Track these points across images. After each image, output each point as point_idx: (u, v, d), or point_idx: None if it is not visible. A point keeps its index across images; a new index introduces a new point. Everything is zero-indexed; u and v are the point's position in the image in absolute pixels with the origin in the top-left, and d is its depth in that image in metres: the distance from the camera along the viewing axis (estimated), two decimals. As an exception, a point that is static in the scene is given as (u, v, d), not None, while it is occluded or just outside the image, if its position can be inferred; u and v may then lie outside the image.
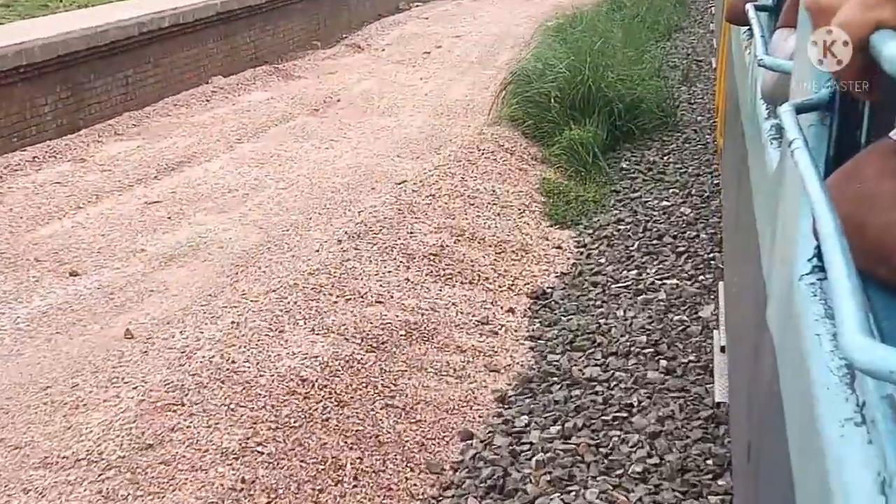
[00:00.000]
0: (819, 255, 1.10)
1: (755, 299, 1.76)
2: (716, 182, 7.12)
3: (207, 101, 10.19)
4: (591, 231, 6.85)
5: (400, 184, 7.23)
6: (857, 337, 0.66)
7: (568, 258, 6.40)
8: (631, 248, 6.43)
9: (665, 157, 8.40)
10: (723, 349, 3.86)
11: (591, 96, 8.66)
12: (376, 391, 4.42)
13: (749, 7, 2.59)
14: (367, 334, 4.86)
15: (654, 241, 6.51)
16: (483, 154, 7.90)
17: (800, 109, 1.21)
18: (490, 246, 6.29)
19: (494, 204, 6.96)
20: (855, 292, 0.71)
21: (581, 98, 8.67)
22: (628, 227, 6.80)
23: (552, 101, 8.81)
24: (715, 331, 4.56)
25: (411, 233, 6.18)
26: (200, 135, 8.85)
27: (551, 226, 6.99)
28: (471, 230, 6.41)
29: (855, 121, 1.25)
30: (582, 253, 6.50)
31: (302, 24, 14.64)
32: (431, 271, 5.80)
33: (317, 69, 12.42)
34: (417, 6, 18.61)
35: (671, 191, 7.51)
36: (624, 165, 8.27)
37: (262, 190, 7.30)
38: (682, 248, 6.36)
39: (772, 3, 2.79)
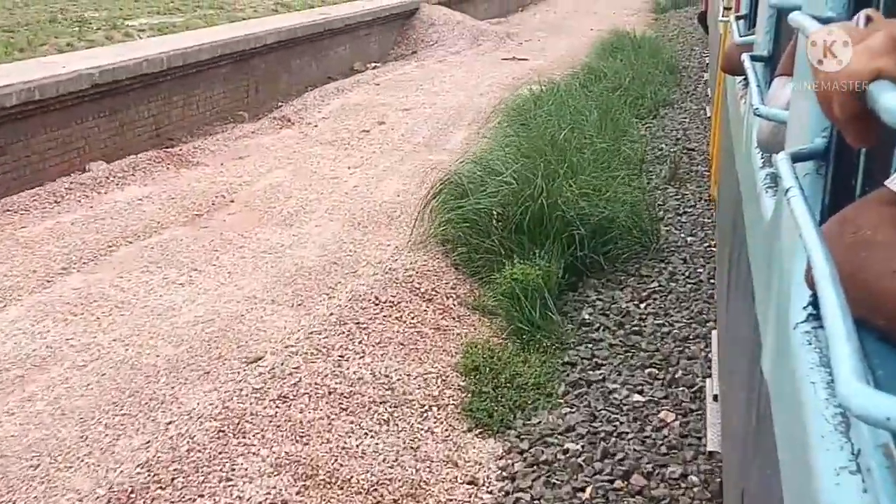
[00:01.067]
0: (814, 303, 1.10)
1: (749, 347, 1.81)
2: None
3: (56, 202, 7.88)
4: (526, 445, 4.53)
5: (252, 363, 4.94)
6: (853, 384, 0.66)
7: (484, 506, 4.09)
8: (580, 494, 4.12)
9: (643, 304, 6.12)
10: (715, 398, 3.83)
11: (545, 216, 6.41)
12: None
13: (745, 57, 2.53)
14: None
15: (619, 478, 4.20)
16: (388, 305, 5.62)
17: (796, 158, 1.23)
18: (357, 494, 3.96)
19: (384, 402, 4.65)
20: (851, 339, 0.72)
21: (532, 218, 6.42)
22: (581, 445, 4.48)
23: (494, 220, 6.56)
24: (707, 379, 4.60)
25: (228, 478, 3.86)
26: (15, 260, 6.54)
27: (469, 431, 4.67)
28: (330, 465, 4.08)
29: (850, 170, 1.25)
30: (508, 494, 4.18)
31: (226, 93, 12.43)
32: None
33: (224, 152, 10.16)
34: (375, 68, 16.48)
35: (648, 370, 5.22)
36: (586, 316, 5.98)
37: (49, 368, 4.97)
38: (660, 495, 4.06)
39: (767, 53, 2.74)
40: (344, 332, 5.15)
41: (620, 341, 5.58)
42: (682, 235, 7.36)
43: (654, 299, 6.16)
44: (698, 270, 6.58)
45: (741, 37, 3.25)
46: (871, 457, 0.77)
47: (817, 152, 1.27)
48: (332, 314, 5.41)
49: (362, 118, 11.93)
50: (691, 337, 5.56)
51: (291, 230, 7.54)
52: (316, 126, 11.65)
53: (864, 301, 0.87)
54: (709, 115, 10.13)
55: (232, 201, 8.31)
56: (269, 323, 5.52)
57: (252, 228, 7.55)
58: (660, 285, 6.37)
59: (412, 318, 5.49)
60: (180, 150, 10.02)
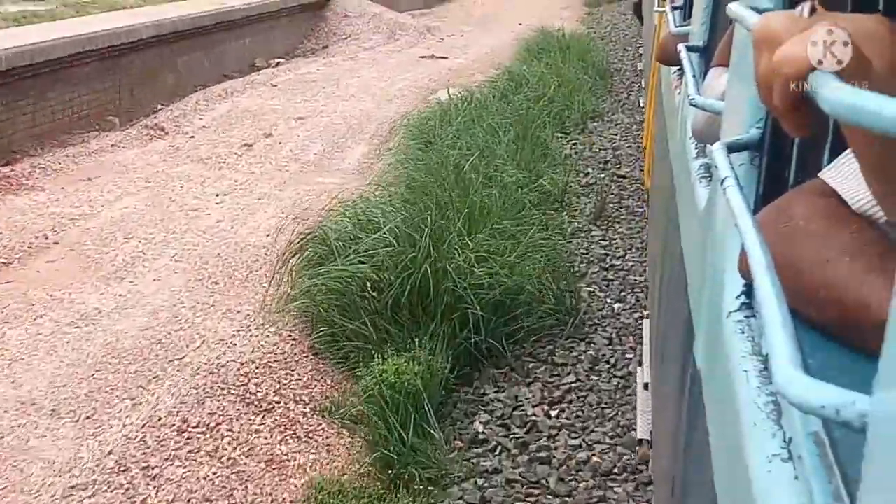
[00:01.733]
0: (747, 292, 1.11)
1: (682, 336, 1.82)
2: None
3: None
4: None
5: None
6: (790, 372, 0.66)
7: None
8: None
9: (554, 411, 4.69)
10: (646, 386, 3.78)
11: (432, 288, 4.94)
12: None
13: (680, 47, 2.46)
14: None
15: None
16: (199, 431, 4.08)
17: (731, 148, 1.23)
18: None
19: None
20: (787, 327, 0.72)
21: (415, 291, 4.94)
22: None
23: (366, 291, 5.06)
24: (638, 368, 4.53)
25: None
26: None
27: None
28: None
29: (784, 161, 1.27)
30: None
31: (92, 95, 10.67)
32: None
33: (70, 171, 8.48)
34: (278, 65, 14.82)
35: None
36: (479, 428, 4.53)
37: None
38: None
39: (703, 43, 2.68)
40: (121, 487, 3.59)
41: (521, 475, 4.13)
42: (609, 301, 5.95)
43: (570, 402, 4.73)
44: (627, 356, 5.17)
45: (677, 27, 3.19)
46: (803, 444, 0.79)
47: (752, 143, 1.28)
48: (111, 452, 3.83)
49: (248, 128, 10.31)
50: (617, 470, 4.13)
51: (120, 287, 5.94)
52: (192, 137, 9.99)
53: (796, 291, 0.87)
54: (642, 105, 9.75)
55: (56, 243, 6.66)
56: (34, 454, 3.94)
57: (70, 284, 5.93)
58: (578, 380, 4.94)
59: (234, 450, 3.97)
60: (13, 169, 8.30)
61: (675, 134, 2.95)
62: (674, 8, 3.87)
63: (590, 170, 8.99)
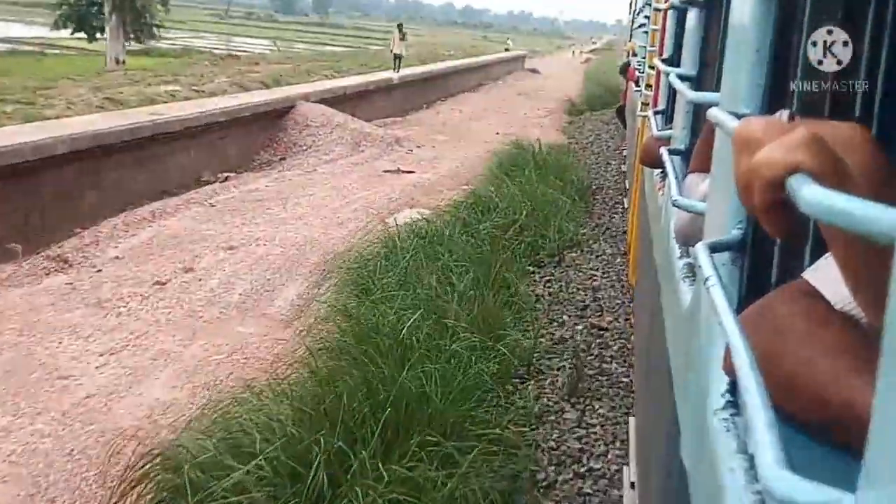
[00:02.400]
0: (731, 390, 1.12)
1: (667, 434, 1.80)
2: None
3: None
4: None
5: None
6: (776, 470, 0.67)
7: None
8: None
9: None
10: (633, 485, 3.78)
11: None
12: None
13: (663, 150, 2.61)
14: None
15: None
16: None
17: (713, 248, 1.25)
18: None
19: None
20: (771, 425, 0.73)
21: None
22: None
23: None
24: (625, 466, 4.51)
25: None
26: None
27: None
28: None
29: (766, 261, 1.31)
30: None
31: (-8, 217, 9.19)
32: None
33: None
34: (227, 178, 13.45)
35: None
36: None
37: None
38: None
39: (684, 147, 2.78)
40: None
41: None
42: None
43: None
44: None
45: (659, 131, 3.28)
46: None
47: (734, 243, 1.31)
48: None
49: (167, 260, 8.80)
50: None
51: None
52: (98, 272, 8.48)
53: (781, 388, 0.88)
54: (626, 206, 9.96)
55: None
56: None
57: None
58: None
59: None
60: None
61: (658, 234, 3.01)
62: (656, 112, 3.97)
63: (565, 317, 7.47)
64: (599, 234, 10.40)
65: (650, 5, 6.81)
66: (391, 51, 25.79)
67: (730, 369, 1.06)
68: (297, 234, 9.99)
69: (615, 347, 6.77)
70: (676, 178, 2.21)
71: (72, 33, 36.09)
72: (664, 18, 4.68)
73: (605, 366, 6.41)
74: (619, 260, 9.16)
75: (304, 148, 15.86)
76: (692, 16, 2.91)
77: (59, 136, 10.05)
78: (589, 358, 6.50)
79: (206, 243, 9.43)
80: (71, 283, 8.07)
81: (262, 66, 23.18)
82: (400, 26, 26.07)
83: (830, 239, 0.87)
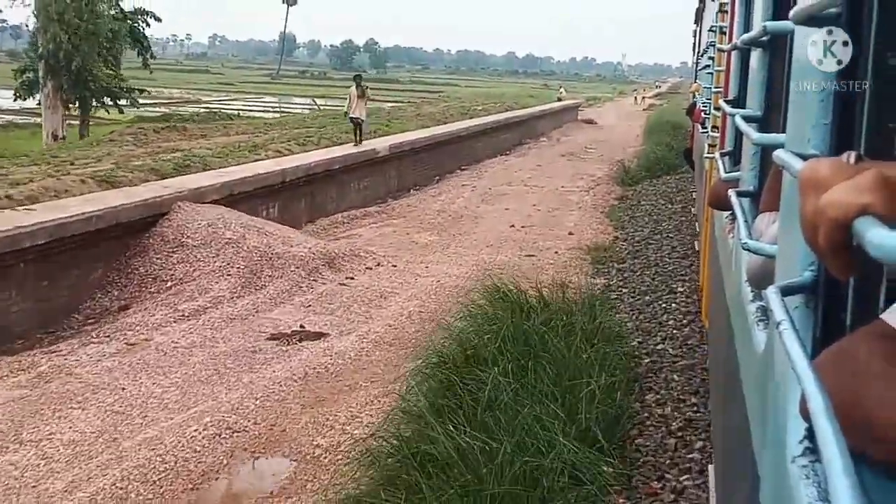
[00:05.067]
0: (810, 436, 1.11)
1: (748, 482, 1.78)
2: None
3: None
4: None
5: None
6: None
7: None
8: None
9: None
10: None
11: None
12: None
13: (731, 193, 2.57)
14: None
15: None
16: None
17: (785, 292, 1.24)
18: None
19: None
20: (849, 474, 0.72)
21: None
22: None
23: None
24: None
25: None
26: None
27: None
28: None
29: (840, 304, 1.26)
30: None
31: None
32: None
33: None
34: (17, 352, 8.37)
35: None
36: None
37: None
38: None
39: (753, 189, 2.76)
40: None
41: None
42: None
43: None
44: None
45: (727, 173, 3.27)
46: None
47: (806, 286, 1.28)
48: None
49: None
50: None
51: None
52: None
53: (860, 432, 0.89)
54: (697, 249, 9.88)
55: None
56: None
57: None
58: None
59: None
60: None
61: (730, 277, 2.98)
62: (723, 154, 3.92)
63: None
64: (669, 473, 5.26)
65: (714, 45, 6.76)
66: (346, 113, 19.07)
67: (807, 414, 1.04)
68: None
69: None
70: (745, 220, 2.18)
71: (38, 103, 29.68)
72: (728, 59, 4.66)
73: None
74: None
75: (171, 282, 10.27)
76: (756, 56, 2.87)
77: None
78: None
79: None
80: None
81: (209, 140, 17.97)
82: (357, 79, 19.02)
83: None
